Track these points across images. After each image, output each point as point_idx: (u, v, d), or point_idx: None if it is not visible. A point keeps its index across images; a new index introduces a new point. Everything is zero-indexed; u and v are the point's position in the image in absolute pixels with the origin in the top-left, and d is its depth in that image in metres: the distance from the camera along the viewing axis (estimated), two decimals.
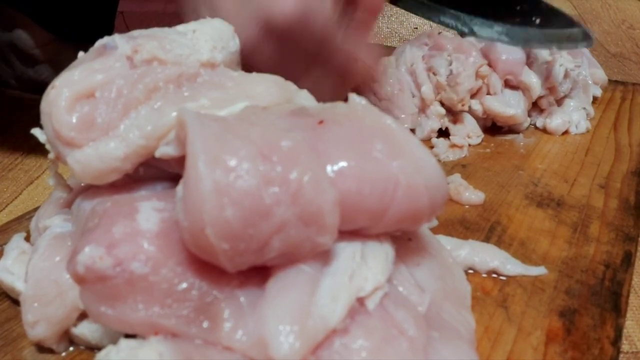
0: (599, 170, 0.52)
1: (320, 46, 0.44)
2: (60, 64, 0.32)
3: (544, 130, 0.60)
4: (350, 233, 0.28)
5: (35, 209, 0.40)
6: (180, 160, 0.26)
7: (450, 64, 0.57)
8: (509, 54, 0.58)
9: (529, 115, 0.60)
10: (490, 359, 0.31)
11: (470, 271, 0.37)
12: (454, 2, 0.57)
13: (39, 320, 0.30)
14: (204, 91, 0.30)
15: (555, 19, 0.56)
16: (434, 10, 0.57)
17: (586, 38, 0.56)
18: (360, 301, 0.26)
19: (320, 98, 0.33)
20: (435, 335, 0.27)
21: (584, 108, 0.62)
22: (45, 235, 0.32)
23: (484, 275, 0.37)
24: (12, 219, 0.44)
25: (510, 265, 0.37)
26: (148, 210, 0.27)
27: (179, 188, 0.25)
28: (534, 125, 0.61)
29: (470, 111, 0.58)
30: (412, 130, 0.57)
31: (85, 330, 0.30)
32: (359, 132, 0.27)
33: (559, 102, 0.61)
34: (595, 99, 0.66)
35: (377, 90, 0.59)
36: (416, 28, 1.09)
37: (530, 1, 0.57)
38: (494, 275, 0.37)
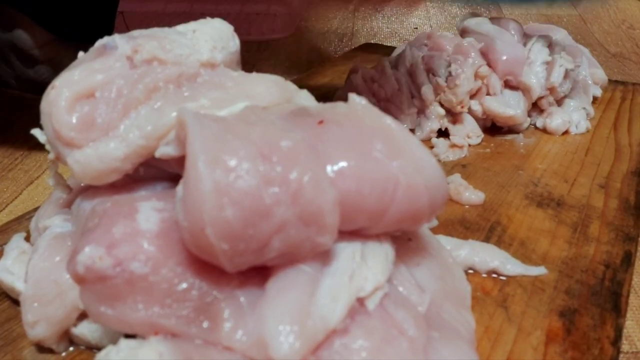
0: (599, 170, 0.52)
1: None
2: (60, 64, 0.32)
3: (544, 130, 0.60)
4: (350, 233, 0.28)
5: (35, 209, 0.40)
6: (180, 160, 0.26)
7: (449, 65, 0.57)
8: (509, 54, 0.58)
9: (529, 116, 0.60)
10: (490, 359, 0.31)
11: (470, 271, 0.37)
12: None
13: (39, 320, 0.30)
14: (204, 91, 0.30)
15: None
16: None
17: None
18: (360, 301, 0.26)
19: None
20: (435, 335, 0.27)
21: (584, 108, 0.62)
22: (45, 235, 0.32)
23: (484, 275, 0.37)
24: (12, 219, 0.44)
25: (510, 265, 0.37)
26: (148, 210, 0.27)
27: (179, 188, 0.25)
28: (534, 125, 0.61)
29: (470, 111, 0.58)
30: (412, 131, 0.57)
31: (85, 330, 0.30)
32: (359, 132, 0.27)
33: (559, 102, 0.61)
34: (595, 99, 0.66)
35: (376, 90, 0.59)
36: (416, 28, 1.09)
37: None
38: (494, 275, 0.37)
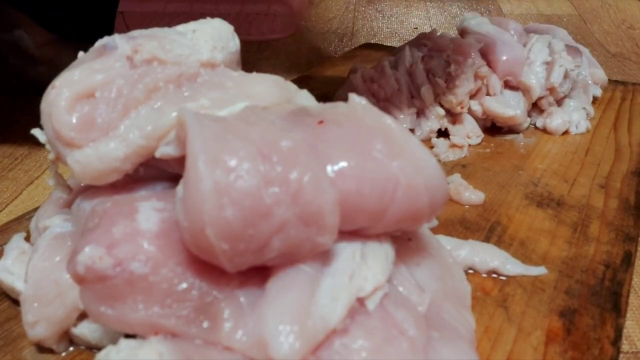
0: (599, 170, 0.52)
1: None
2: (60, 64, 0.32)
3: (544, 130, 0.60)
4: (350, 233, 0.28)
5: (35, 209, 0.40)
6: (180, 161, 0.26)
7: (449, 65, 0.57)
8: (509, 54, 0.58)
9: (529, 116, 0.60)
10: (490, 359, 0.31)
11: (470, 271, 0.37)
12: None
13: (39, 320, 0.30)
14: (204, 91, 0.30)
15: None
16: None
17: None
18: (360, 301, 0.26)
19: None
20: (435, 335, 0.27)
21: (584, 108, 0.62)
22: (45, 235, 0.32)
23: (484, 275, 0.37)
24: (12, 219, 0.44)
25: (510, 265, 0.37)
26: (148, 210, 0.27)
27: (179, 188, 0.25)
28: (534, 125, 0.61)
29: (470, 112, 0.58)
30: (412, 131, 0.57)
31: (85, 330, 0.30)
32: (359, 132, 0.27)
33: (559, 102, 0.61)
34: (595, 99, 0.66)
35: (376, 90, 0.59)
36: (416, 28, 1.09)
37: None
38: (494, 275, 0.37)
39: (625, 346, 0.36)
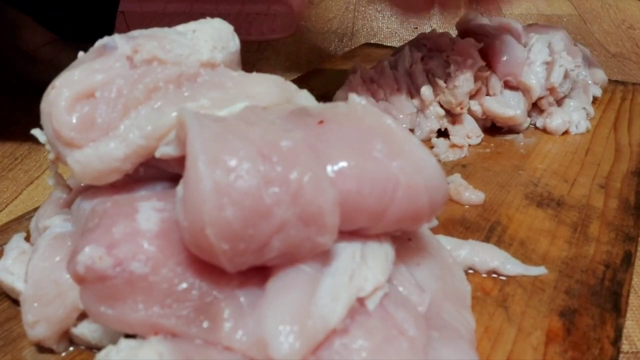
0: (599, 170, 0.52)
1: None
2: (60, 64, 0.32)
3: (544, 130, 0.60)
4: (350, 233, 0.28)
5: (35, 209, 0.40)
6: (180, 161, 0.26)
7: (449, 66, 0.57)
8: (509, 54, 0.58)
9: (529, 116, 0.60)
10: (490, 359, 0.31)
11: (470, 271, 0.37)
12: None
13: (39, 320, 0.30)
14: (204, 91, 0.30)
15: None
16: None
17: None
18: (360, 301, 0.26)
19: None
20: (435, 335, 0.27)
21: (584, 108, 0.62)
22: (45, 235, 0.32)
23: (484, 275, 0.37)
24: (12, 219, 0.44)
25: (510, 265, 0.37)
26: (148, 210, 0.27)
27: (179, 188, 0.25)
28: (534, 125, 0.61)
29: (470, 112, 0.58)
30: (411, 131, 0.57)
31: (85, 330, 0.30)
32: (359, 132, 0.27)
33: (559, 102, 0.61)
34: (595, 99, 0.66)
35: (375, 90, 0.59)
36: (416, 28, 1.09)
37: None
38: (494, 275, 0.37)
39: (625, 346, 0.36)
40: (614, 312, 0.34)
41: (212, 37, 0.33)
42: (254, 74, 0.32)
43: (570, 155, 0.55)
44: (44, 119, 0.30)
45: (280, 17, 1.06)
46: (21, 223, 0.43)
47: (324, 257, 0.27)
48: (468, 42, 0.59)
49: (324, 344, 0.24)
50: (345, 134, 0.27)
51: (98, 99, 0.29)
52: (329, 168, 0.26)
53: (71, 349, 0.32)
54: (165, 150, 0.28)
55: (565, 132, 0.59)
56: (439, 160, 0.53)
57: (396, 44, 1.01)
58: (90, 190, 0.31)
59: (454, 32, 0.66)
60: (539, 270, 0.37)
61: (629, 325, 0.38)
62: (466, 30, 0.64)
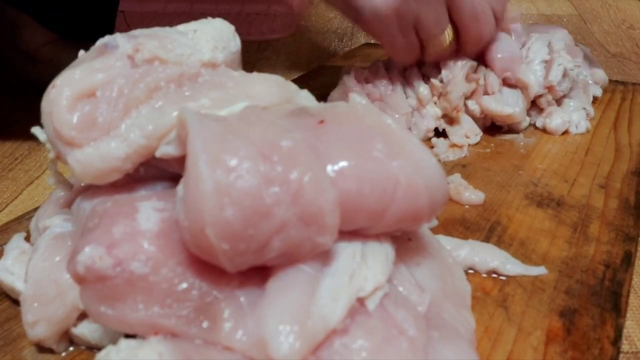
0: (599, 170, 0.52)
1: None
2: (61, 63, 0.32)
3: (544, 130, 0.60)
4: (350, 233, 0.28)
5: (35, 209, 0.40)
6: (181, 160, 0.26)
7: (440, 71, 0.57)
8: (504, 51, 0.58)
9: (529, 115, 0.60)
10: (490, 359, 0.31)
11: (470, 271, 0.37)
12: None
13: (39, 320, 0.30)
14: (205, 91, 0.30)
15: None
16: None
17: None
18: (360, 301, 0.26)
19: None
20: (435, 335, 0.27)
21: (584, 108, 0.62)
22: (45, 235, 0.32)
23: (484, 275, 0.37)
24: (12, 219, 0.44)
25: (510, 265, 0.37)
26: (148, 210, 0.27)
27: (179, 188, 0.25)
28: (534, 125, 0.61)
29: (468, 111, 0.58)
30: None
31: (85, 330, 0.30)
32: (359, 132, 0.27)
33: (559, 102, 0.61)
34: (595, 99, 0.66)
35: (370, 91, 0.58)
36: None
37: None
38: (494, 275, 0.37)
39: (625, 346, 0.36)
40: (614, 312, 0.34)
41: (214, 37, 0.33)
42: (255, 74, 0.32)
43: (570, 155, 0.55)
44: (44, 118, 0.30)
45: (280, 17, 1.06)
46: (21, 223, 0.43)
47: (324, 257, 0.27)
48: None
49: (324, 344, 0.24)
50: (346, 134, 0.27)
51: (99, 98, 0.29)
52: (329, 168, 0.26)
53: (71, 349, 0.32)
54: (166, 150, 0.28)
55: (565, 132, 0.59)
56: (439, 160, 0.53)
57: None
58: (91, 190, 0.31)
59: None
60: (539, 270, 0.37)
61: (629, 325, 0.38)
62: None
